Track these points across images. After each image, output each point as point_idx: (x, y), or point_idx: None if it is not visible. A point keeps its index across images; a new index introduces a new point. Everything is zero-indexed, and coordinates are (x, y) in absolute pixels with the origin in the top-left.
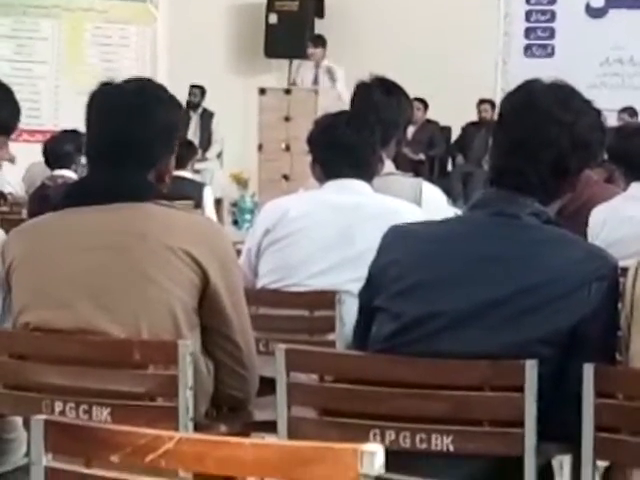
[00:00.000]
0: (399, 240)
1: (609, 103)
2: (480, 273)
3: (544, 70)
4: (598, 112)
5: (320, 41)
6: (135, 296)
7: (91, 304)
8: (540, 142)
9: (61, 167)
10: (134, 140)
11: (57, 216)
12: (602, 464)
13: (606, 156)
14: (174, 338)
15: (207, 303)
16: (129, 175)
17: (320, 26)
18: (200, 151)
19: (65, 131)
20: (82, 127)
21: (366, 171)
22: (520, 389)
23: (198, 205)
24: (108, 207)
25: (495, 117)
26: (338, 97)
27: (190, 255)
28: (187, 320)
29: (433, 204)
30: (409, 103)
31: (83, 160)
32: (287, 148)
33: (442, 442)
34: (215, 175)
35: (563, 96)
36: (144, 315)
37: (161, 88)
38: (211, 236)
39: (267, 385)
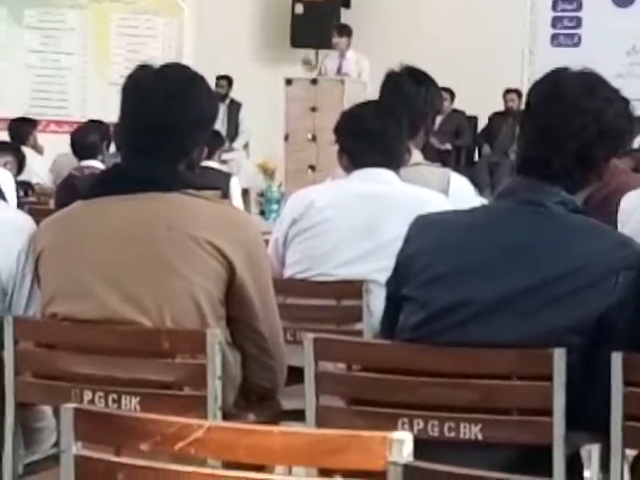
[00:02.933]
0: (426, 229)
1: (636, 92)
2: (507, 262)
3: (571, 59)
4: (626, 101)
5: (345, 30)
6: (159, 286)
7: (117, 294)
8: (567, 131)
9: (88, 157)
10: (171, 126)
11: (85, 206)
12: (631, 453)
13: (636, 145)
14: (199, 328)
15: (234, 295)
16: (161, 165)
17: (346, 16)
18: (227, 141)
19: (91, 121)
20: (109, 117)
21: (393, 160)
22: (548, 378)
23: (225, 195)
24: (136, 197)
25: (521, 107)
26: (364, 87)
27: (215, 246)
28: (212, 311)
29: (461, 194)
30: (438, 93)
31: (111, 150)
32: (313, 138)
33: (470, 431)
34: (242, 165)
35: (590, 85)
36: (168, 305)
37: (199, 76)
38: (238, 226)
39: (295, 374)
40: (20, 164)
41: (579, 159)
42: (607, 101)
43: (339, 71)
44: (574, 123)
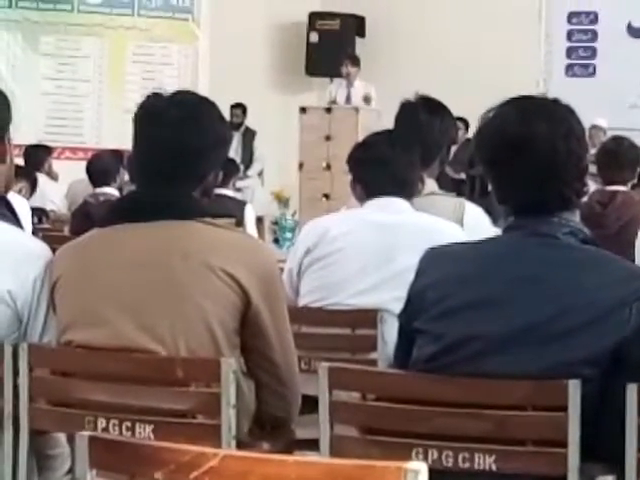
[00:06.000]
0: (437, 262)
1: None
2: (520, 295)
3: (585, 89)
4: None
5: (357, 61)
6: (174, 315)
7: (132, 322)
8: (560, 164)
9: (103, 184)
10: (186, 150)
11: (101, 234)
12: None
13: None
14: (213, 357)
15: (248, 324)
16: (177, 192)
17: (361, 45)
18: (242, 169)
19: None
20: (124, 145)
21: (406, 189)
22: (563, 409)
23: (240, 223)
24: (152, 224)
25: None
26: (378, 116)
27: (230, 275)
28: (227, 340)
29: (476, 224)
30: (453, 123)
31: (126, 177)
32: (328, 167)
33: (485, 461)
34: (256, 193)
35: (546, 111)
36: (182, 334)
37: (210, 101)
38: (253, 255)
39: (309, 403)
40: (32, 188)
41: (577, 180)
42: (568, 115)
43: (348, 100)
44: (560, 154)
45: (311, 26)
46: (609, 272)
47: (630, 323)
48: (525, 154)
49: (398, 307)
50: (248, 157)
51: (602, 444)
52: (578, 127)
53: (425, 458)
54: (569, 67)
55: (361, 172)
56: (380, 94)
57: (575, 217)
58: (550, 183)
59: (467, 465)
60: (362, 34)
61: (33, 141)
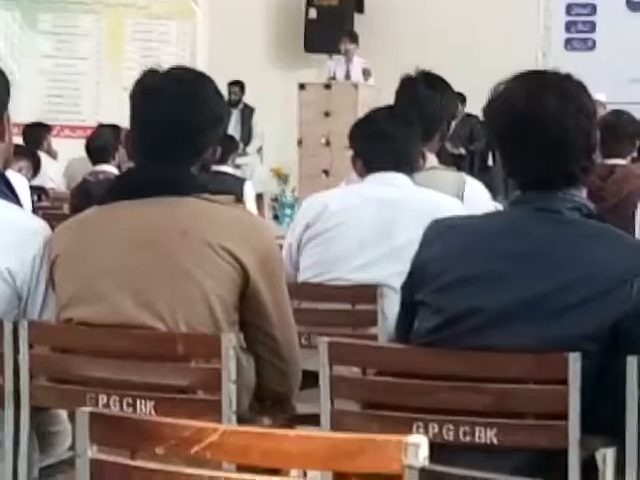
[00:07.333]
0: (441, 235)
1: None
2: (522, 269)
3: (584, 64)
4: (566, 76)
5: (355, 37)
6: (173, 291)
7: (131, 299)
8: (571, 139)
9: (102, 162)
10: (184, 126)
11: (101, 211)
12: None
13: None
14: (213, 332)
15: (248, 300)
16: (175, 168)
17: (360, 21)
18: (241, 146)
19: (105, 126)
20: (123, 122)
21: (406, 164)
22: (564, 382)
23: (239, 200)
24: (152, 201)
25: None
26: (377, 92)
27: (229, 251)
28: (226, 316)
29: (476, 199)
30: (453, 98)
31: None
32: (327, 143)
33: (486, 435)
34: (256, 170)
35: (554, 84)
36: (182, 310)
37: (207, 77)
38: (252, 231)
39: (310, 378)
40: (35, 168)
41: (585, 157)
42: (579, 91)
43: (347, 77)
44: (569, 131)
45: (309, 2)
46: (611, 247)
47: (631, 299)
48: (533, 130)
49: (398, 282)
50: (247, 134)
51: (602, 418)
52: (589, 103)
53: (426, 432)
54: (568, 41)
55: (362, 147)
56: (379, 70)
57: (581, 193)
58: (558, 159)
59: (468, 439)
60: (361, 10)
61: (32, 119)
